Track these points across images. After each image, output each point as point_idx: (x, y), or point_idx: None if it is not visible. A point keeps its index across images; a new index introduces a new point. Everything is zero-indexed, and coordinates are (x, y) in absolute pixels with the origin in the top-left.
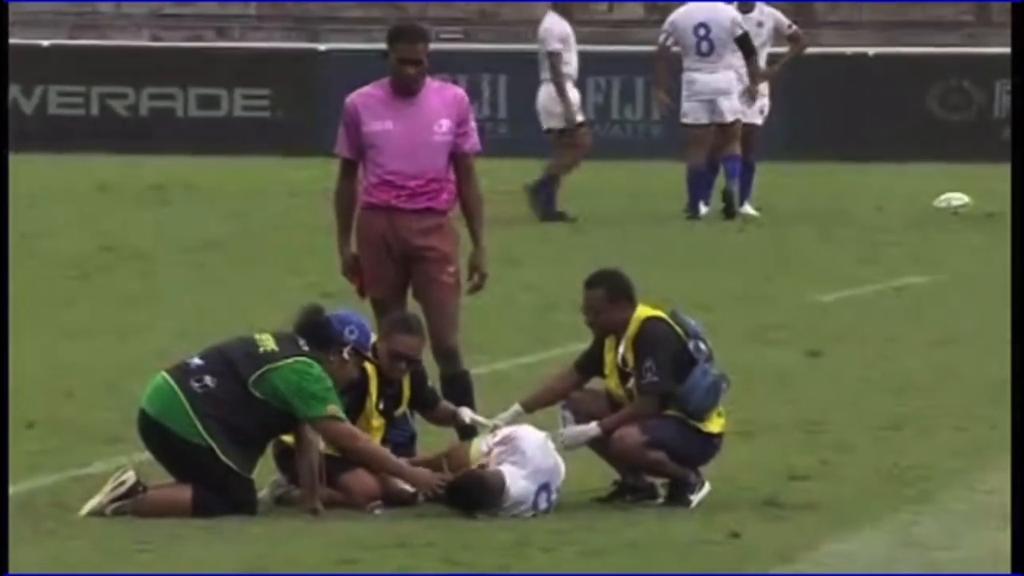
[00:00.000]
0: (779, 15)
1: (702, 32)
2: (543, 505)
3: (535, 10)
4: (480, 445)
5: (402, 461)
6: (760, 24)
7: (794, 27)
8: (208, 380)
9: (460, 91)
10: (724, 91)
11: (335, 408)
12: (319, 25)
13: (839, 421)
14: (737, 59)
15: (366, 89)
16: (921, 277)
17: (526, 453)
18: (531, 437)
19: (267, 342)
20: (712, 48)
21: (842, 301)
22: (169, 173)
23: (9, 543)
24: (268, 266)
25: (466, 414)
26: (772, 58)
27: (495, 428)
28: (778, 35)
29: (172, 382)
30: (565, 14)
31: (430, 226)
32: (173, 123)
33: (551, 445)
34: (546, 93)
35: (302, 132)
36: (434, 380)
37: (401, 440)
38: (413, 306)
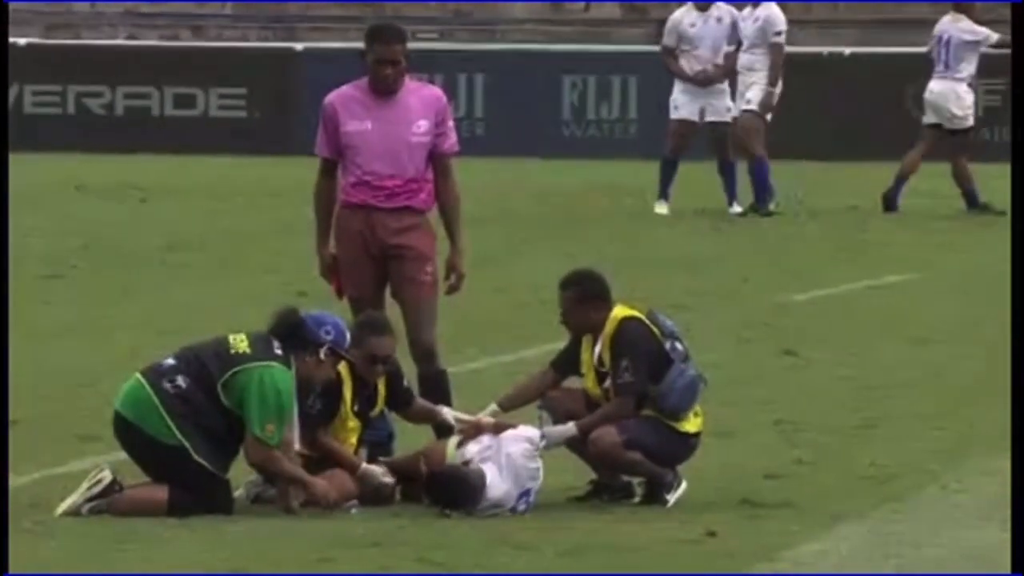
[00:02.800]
0: (735, 10)
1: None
2: (521, 508)
3: (512, 10)
4: (455, 444)
5: (313, 478)
6: (719, 20)
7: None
8: (180, 380)
9: (438, 91)
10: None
11: (272, 428)
12: (295, 24)
13: (815, 420)
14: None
15: (344, 89)
16: (896, 276)
17: (511, 458)
18: (517, 443)
19: (240, 343)
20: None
21: (817, 300)
22: (145, 172)
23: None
24: (244, 266)
25: (448, 413)
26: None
27: (478, 422)
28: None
29: (145, 383)
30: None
31: (408, 225)
32: (149, 122)
33: (535, 451)
34: (952, 90)
35: (278, 131)
36: (411, 379)
37: (378, 439)
38: (390, 305)
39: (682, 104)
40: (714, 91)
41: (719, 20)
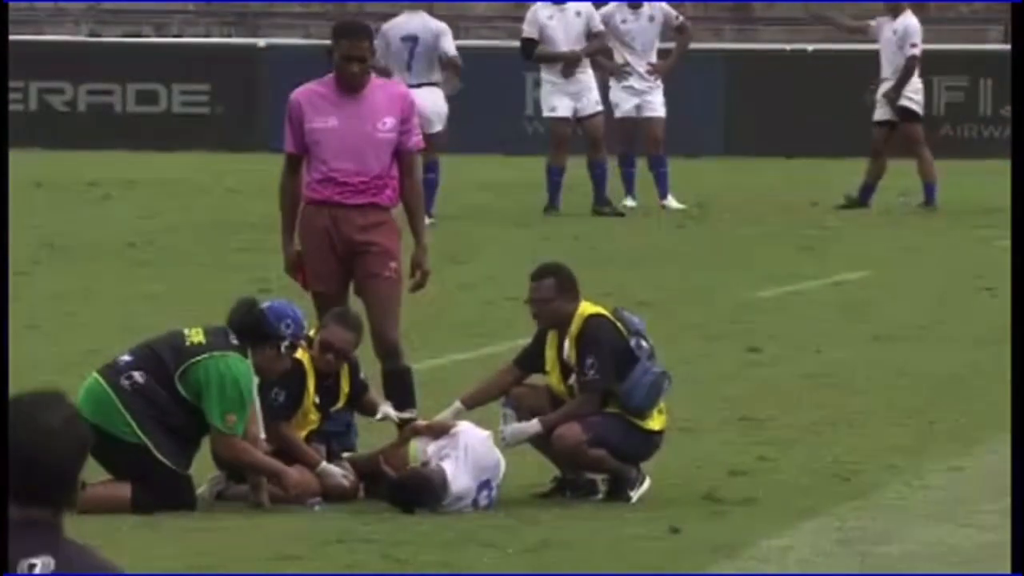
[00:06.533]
0: (668, 8)
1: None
2: (483, 502)
3: (475, 7)
4: (418, 445)
5: (286, 467)
6: (651, 18)
7: (681, 18)
8: (137, 376)
9: (404, 88)
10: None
11: (233, 419)
12: (258, 20)
13: (778, 417)
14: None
15: (310, 85)
16: (859, 273)
17: (468, 449)
18: (474, 433)
19: (195, 335)
20: None
21: (781, 297)
22: (108, 169)
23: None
24: (207, 262)
25: (382, 411)
26: (662, 52)
27: (408, 420)
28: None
29: (103, 382)
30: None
31: (373, 222)
32: (111, 118)
33: (492, 442)
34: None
35: (241, 128)
36: (376, 377)
37: (337, 430)
38: (355, 302)
39: (623, 101)
40: (650, 88)
41: (651, 19)
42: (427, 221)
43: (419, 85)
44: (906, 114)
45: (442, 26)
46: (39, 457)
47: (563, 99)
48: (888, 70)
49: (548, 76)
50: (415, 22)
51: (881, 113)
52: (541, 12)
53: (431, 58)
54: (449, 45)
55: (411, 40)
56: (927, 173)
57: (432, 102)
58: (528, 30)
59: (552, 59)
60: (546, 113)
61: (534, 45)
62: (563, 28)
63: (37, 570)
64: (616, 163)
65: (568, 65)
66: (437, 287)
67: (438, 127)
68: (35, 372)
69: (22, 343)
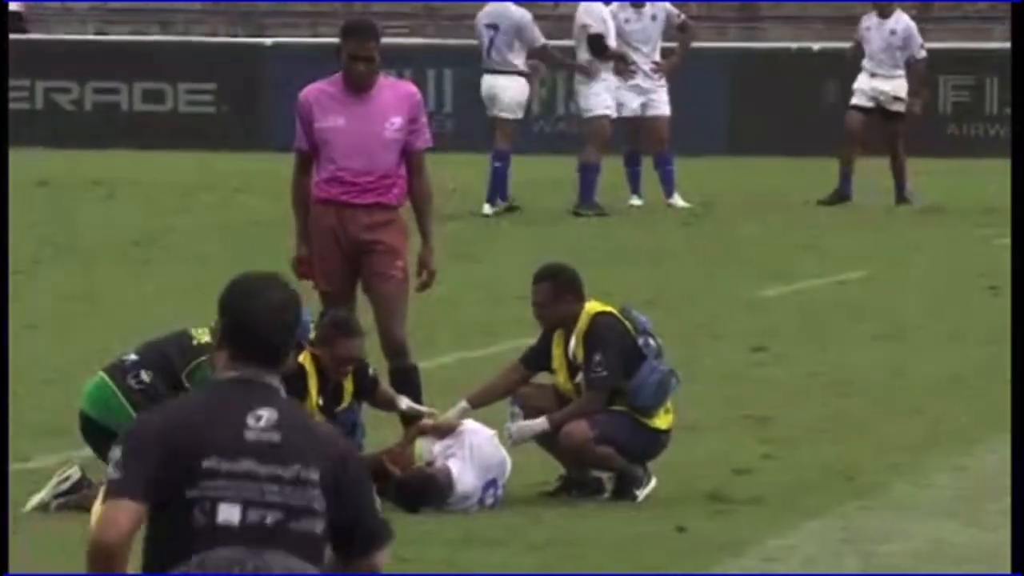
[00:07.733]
0: (670, 7)
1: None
2: (489, 501)
3: (479, 7)
4: (424, 444)
5: None
6: (654, 17)
7: (683, 17)
8: (144, 375)
9: (412, 87)
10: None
11: None
12: (264, 19)
13: (783, 416)
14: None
15: (319, 84)
16: (863, 272)
17: (474, 448)
18: (479, 433)
19: (202, 335)
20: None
21: (785, 296)
22: (113, 168)
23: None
24: (212, 261)
25: (403, 402)
26: (665, 51)
27: (431, 415)
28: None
29: (109, 381)
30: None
31: (379, 221)
32: (117, 117)
33: (498, 441)
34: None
35: (247, 127)
36: (382, 374)
37: (343, 432)
38: (362, 301)
39: (629, 100)
40: (655, 87)
41: (653, 18)
42: (501, 205)
43: (500, 72)
44: (898, 115)
45: (523, 17)
46: (268, 328)
47: (610, 97)
48: (879, 67)
49: (603, 73)
50: (498, 10)
51: (864, 100)
52: (604, 10)
53: (510, 46)
54: (533, 36)
55: (492, 28)
56: (903, 172)
57: (510, 90)
58: (596, 25)
59: (619, 57)
60: (600, 111)
61: (603, 39)
62: (612, 27)
63: (263, 420)
64: (622, 162)
65: (623, 63)
66: (445, 286)
67: (509, 115)
68: (36, 372)
69: (25, 342)
